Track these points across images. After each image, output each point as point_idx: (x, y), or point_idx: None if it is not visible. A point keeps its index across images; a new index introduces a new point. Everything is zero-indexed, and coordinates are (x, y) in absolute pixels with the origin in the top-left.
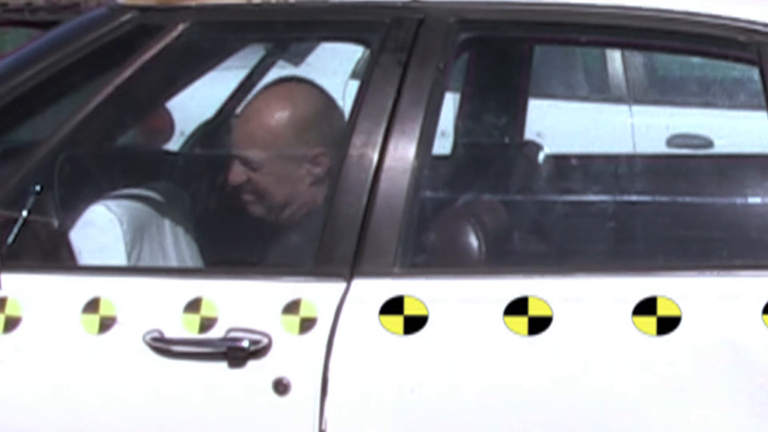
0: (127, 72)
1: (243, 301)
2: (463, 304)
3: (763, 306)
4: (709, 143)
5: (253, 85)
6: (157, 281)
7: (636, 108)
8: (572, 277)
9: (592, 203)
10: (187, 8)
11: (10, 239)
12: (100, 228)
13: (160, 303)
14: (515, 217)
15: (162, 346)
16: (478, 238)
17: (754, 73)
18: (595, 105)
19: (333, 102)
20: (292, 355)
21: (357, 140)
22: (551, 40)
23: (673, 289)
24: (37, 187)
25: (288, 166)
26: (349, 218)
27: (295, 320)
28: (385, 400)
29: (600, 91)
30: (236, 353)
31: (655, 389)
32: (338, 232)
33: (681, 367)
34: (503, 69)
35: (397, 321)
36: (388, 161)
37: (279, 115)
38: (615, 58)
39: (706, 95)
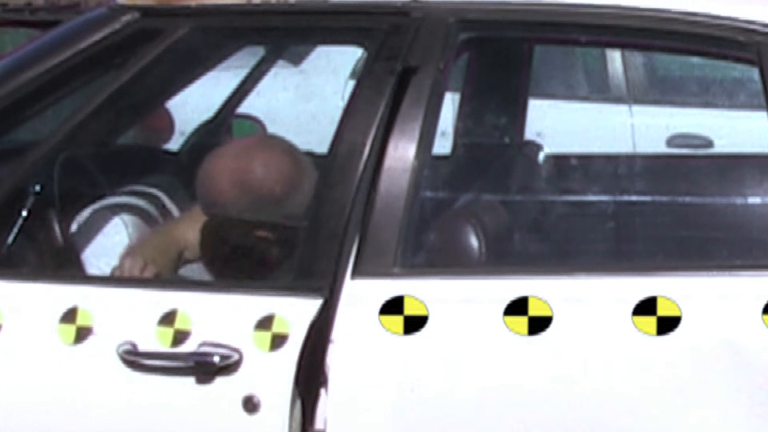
0: (125, 74)
1: (217, 315)
2: (463, 304)
3: (763, 306)
4: (709, 143)
5: (253, 84)
6: (135, 292)
7: (636, 108)
8: (572, 277)
9: (592, 203)
10: (186, 11)
11: (10, 240)
12: (105, 233)
13: (136, 314)
14: (515, 217)
15: (133, 359)
16: (478, 238)
17: (754, 73)
18: (595, 105)
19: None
20: (262, 372)
21: (355, 141)
22: (551, 40)
23: (673, 289)
24: (37, 188)
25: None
26: (332, 230)
27: (266, 336)
28: (385, 399)
29: (600, 91)
30: (205, 369)
31: (655, 389)
32: (319, 246)
33: (681, 367)
34: (503, 69)
35: (397, 321)
36: (388, 161)
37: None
38: (615, 58)
39: (706, 95)
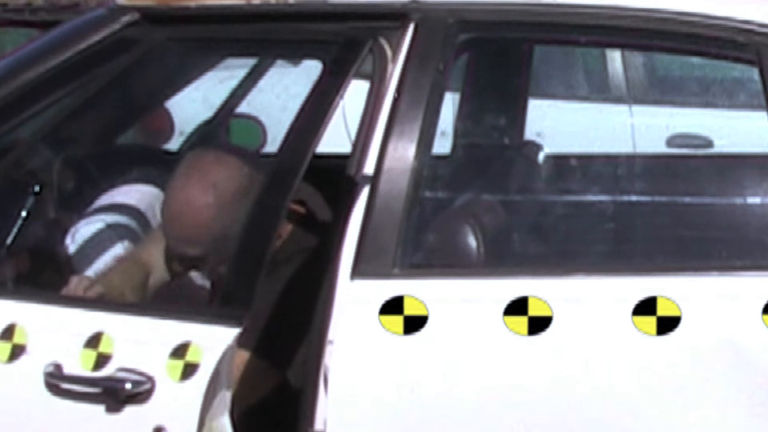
0: (112, 78)
1: (139, 340)
2: (463, 304)
3: (763, 306)
4: (709, 143)
5: (251, 85)
6: (70, 312)
7: (636, 108)
8: (572, 277)
9: (592, 203)
10: (185, 12)
11: (9, 240)
12: (97, 242)
13: (66, 335)
14: (515, 218)
15: (53, 382)
16: (477, 239)
17: (754, 73)
18: (595, 105)
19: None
20: (172, 402)
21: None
22: (550, 41)
23: (672, 289)
24: (36, 188)
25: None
26: (253, 258)
27: (179, 365)
28: (385, 399)
29: (600, 91)
30: (115, 396)
31: (654, 389)
32: (240, 273)
33: (681, 367)
34: (503, 69)
35: (397, 321)
36: (388, 161)
37: (205, 202)
38: (615, 58)
39: (706, 95)
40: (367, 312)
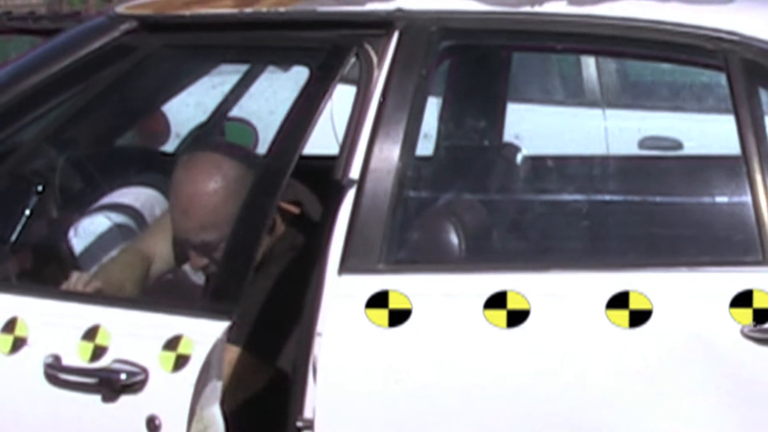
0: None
1: (134, 333)
2: (445, 298)
3: (730, 300)
4: (678, 145)
5: (245, 88)
6: (69, 306)
7: (609, 111)
8: (548, 273)
9: (568, 202)
10: (181, 21)
11: (14, 237)
12: (105, 241)
13: (65, 328)
14: (494, 216)
15: (52, 373)
16: (458, 236)
17: (722, 78)
18: (570, 109)
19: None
20: (164, 392)
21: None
22: (527, 48)
23: (644, 284)
24: (39, 187)
25: None
26: (244, 254)
27: (171, 356)
28: (371, 388)
29: (575, 95)
30: (110, 386)
31: (627, 379)
32: (231, 269)
33: (652, 357)
34: (483, 75)
35: (383, 314)
36: (374, 162)
37: (213, 187)
38: (589, 64)
39: (675, 100)
40: (354, 306)
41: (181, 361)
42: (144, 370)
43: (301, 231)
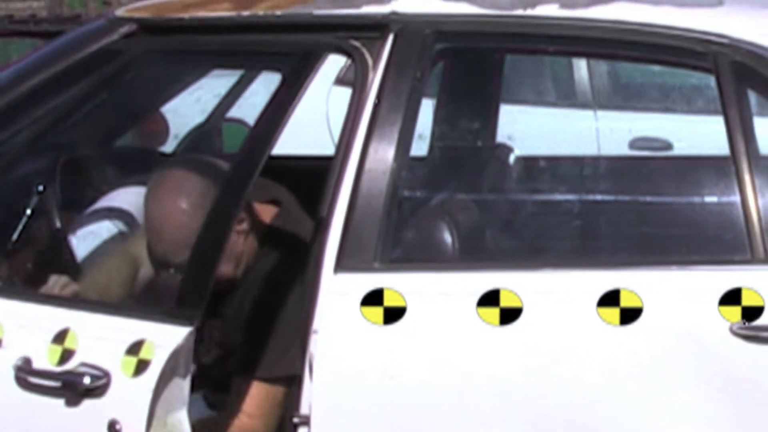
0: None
1: (100, 337)
2: (439, 296)
3: (719, 298)
4: (668, 146)
5: (242, 90)
6: (43, 309)
7: (600, 113)
8: (541, 271)
9: (560, 202)
10: (180, 23)
11: (14, 237)
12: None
13: (37, 331)
14: (487, 215)
15: (21, 375)
16: (452, 235)
17: (711, 80)
18: (562, 110)
19: (207, 171)
20: (125, 397)
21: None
22: (520, 50)
23: (635, 282)
24: (40, 187)
25: None
26: (206, 260)
27: (132, 361)
28: (366, 385)
29: (567, 97)
30: (74, 389)
31: (618, 375)
32: (195, 275)
33: (643, 354)
34: (476, 77)
35: (377, 312)
36: (369, 163)
37: (181, 207)
38: (581, 66)
39: (666, 101)
40: (349, 303)
41: (141, 366)
42: (107, 374)
43: (283, 232)
